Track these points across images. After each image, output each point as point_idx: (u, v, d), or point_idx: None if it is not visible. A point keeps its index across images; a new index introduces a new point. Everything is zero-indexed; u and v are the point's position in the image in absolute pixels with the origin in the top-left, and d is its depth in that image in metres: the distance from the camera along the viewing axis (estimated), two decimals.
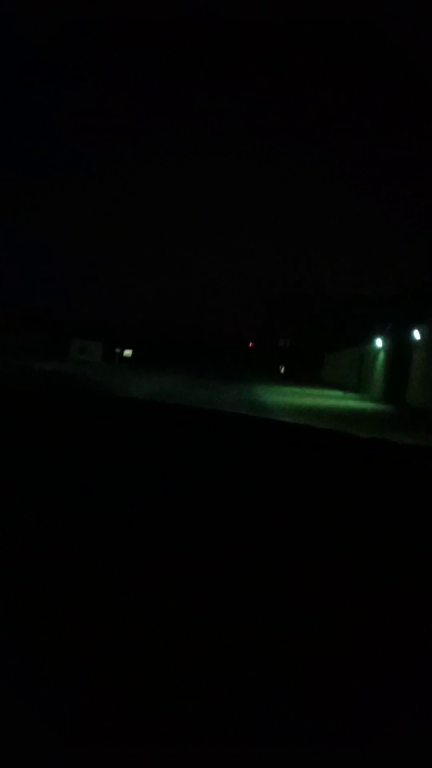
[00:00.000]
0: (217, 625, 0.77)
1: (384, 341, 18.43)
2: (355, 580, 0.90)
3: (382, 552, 0.99)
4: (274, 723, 0.62)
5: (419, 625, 0.80)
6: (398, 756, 0.60)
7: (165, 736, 0.60)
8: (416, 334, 16.23)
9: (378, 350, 18.85)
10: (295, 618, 0.79)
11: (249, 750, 0.60)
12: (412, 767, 0.60)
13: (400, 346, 17.15)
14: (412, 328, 16.44)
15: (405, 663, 0.72)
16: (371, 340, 19.18)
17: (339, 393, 17.54)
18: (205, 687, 0.66)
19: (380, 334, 18.46)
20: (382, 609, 0.82)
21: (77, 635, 0.72)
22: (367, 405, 15.58)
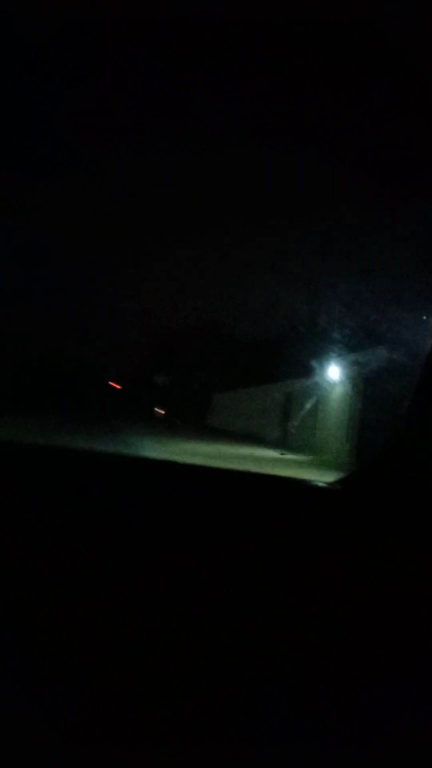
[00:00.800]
0: (217, 625, 0.77)
1: (352, 368, 11.04)
2: (355, 580, 0.90)
3: (382, 552, 0.99)
4: (274, 723, 0.62)
5: (419, 625, 0.80)
6: (398, 756, 0.60)
7: (165, 736, 0.60)
8: None
9: (332, 385, 11.54)
10: (295, 618, 0.79)
11: (249, 750, 0.60)
12: (412, 767, 0.60)
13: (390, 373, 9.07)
14: None
15: (405, 663, 0.72)
16: (316, 371, 11.64)
17: (271, 453, 10.49)
18: (205, 687, 0.66)
19: (343, 357, 11.13)
20: (382, 609, 0.82)
21: (77, 635, 0.72)
22: None
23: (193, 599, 0.82)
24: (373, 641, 0.75)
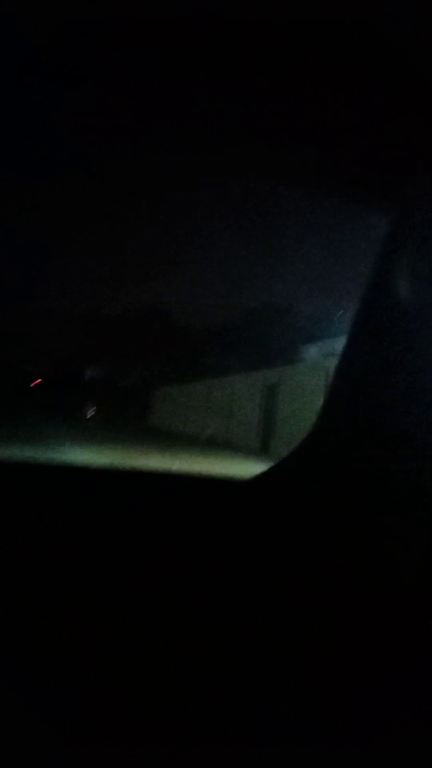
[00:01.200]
0: (217, 625, 0.77)
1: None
2: (355, 580, 0.90)
3: (382, 552, 0.99)
4: (274, 723, 0.62)
5: (419, 625, 0.80)
6: (398, 756, 0.60)
7: (165, 736, 0.60)
8: None
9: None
10: (295, 618, 0.79)
11: (249, 750, 0.60)
12: (412, 767, 0.60)
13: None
14: None
15: (405, 663, 0.72)
16: (311, 356, 7.06)
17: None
18: (205, 687, 0.66)
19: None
20: (382, 609, 0.82)
21: (77, 635, 0.72)
22: None
23: (193, 599, 0.82)
24: (373, 641, 0.75)
